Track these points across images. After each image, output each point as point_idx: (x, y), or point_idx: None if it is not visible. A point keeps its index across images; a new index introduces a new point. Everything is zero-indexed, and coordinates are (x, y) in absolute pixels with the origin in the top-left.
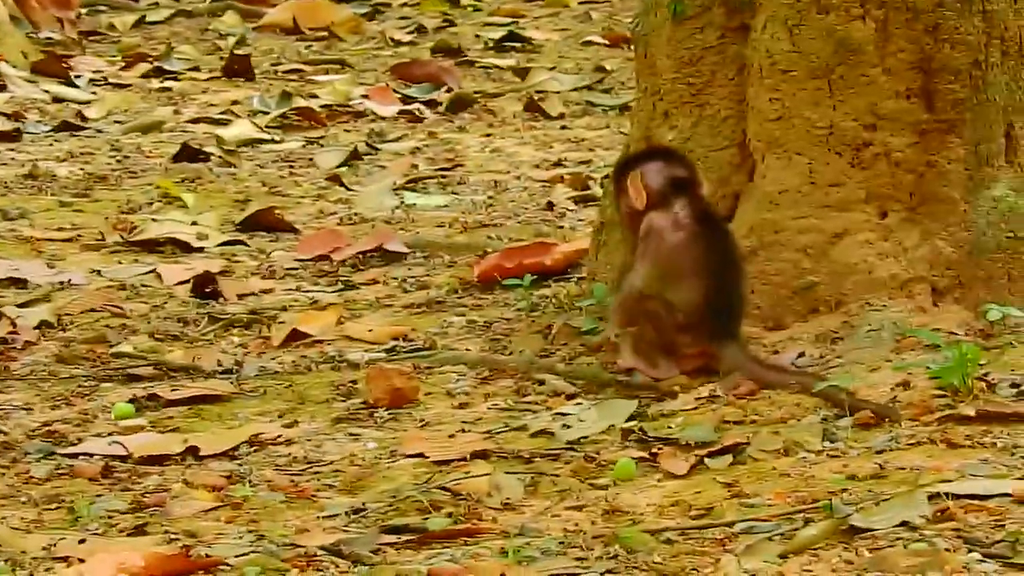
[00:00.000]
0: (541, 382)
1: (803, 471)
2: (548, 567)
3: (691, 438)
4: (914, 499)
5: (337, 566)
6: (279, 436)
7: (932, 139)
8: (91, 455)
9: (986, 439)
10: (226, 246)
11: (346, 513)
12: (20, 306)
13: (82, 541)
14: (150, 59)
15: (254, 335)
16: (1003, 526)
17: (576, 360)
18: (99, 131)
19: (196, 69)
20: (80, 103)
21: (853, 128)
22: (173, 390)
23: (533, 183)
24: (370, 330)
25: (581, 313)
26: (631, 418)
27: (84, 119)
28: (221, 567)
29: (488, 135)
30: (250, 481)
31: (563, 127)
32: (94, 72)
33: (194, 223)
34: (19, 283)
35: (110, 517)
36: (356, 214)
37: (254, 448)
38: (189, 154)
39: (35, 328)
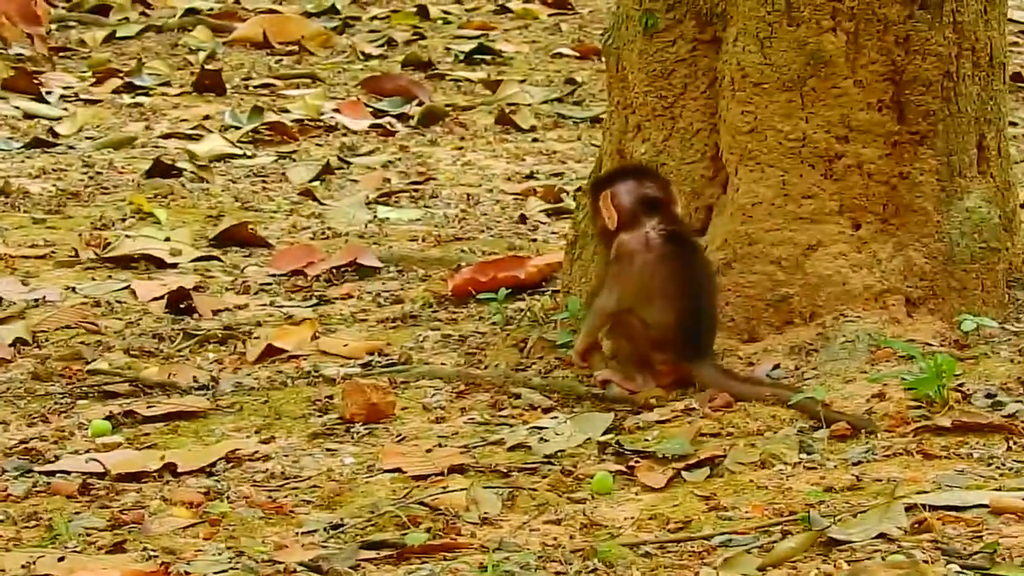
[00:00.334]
0: (517, 396)
1: (780, 483)
2: None
3: (668, 451)
4: (891, 511)
5: None
6: (256, 452)
7: (904, 150)
8: (68, 472)
9: (962, 450)
10: (200, 262)
11: (324, 529)
12: None
13: (61, 559)
14: (121, 75)
15: (229, 351)
16: (981, 537)
17: (552, 373)
18: (71, 147)
19: (167, 84)
20: (51, 119)
21: (825, 140)
22: (149, 407)
23: (505, 196)
24: (345, 345)
25: (556, 326)
26: (608, 431)
27: (55, 135)
28: None
29: (460, 148)
30: (228, 497)
31: (535, 140)
32: (65, 88)
33: (167, 239)
34: None
35: (89, 534)
36: (329, 228)
37: (231, 464)
38: (161, 170)
39: (10, 345)
